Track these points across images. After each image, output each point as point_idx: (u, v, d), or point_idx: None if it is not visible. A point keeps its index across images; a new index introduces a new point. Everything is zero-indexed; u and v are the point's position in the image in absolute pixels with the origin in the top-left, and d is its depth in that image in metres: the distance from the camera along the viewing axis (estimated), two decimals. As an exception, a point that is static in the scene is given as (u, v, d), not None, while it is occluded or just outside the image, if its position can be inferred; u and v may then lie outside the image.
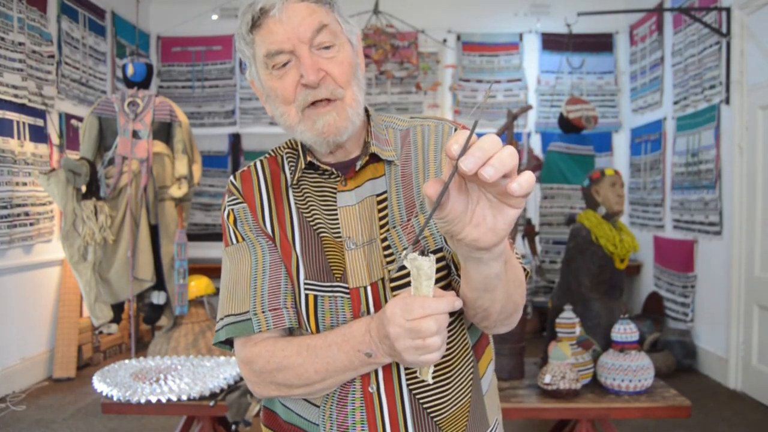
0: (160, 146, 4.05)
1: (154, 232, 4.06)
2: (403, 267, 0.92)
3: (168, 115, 4.07)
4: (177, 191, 4.02)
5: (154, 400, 2.16)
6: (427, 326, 0.78)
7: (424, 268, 0.77)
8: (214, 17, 6.03)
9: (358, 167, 1.00)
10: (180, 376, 2.35)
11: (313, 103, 0.95)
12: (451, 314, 0.89)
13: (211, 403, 2.17)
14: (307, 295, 0.97)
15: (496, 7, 6.02)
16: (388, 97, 6.10)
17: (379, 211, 0.99)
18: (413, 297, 0.80)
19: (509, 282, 0.87)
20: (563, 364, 2.28)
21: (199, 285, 4.54)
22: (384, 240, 0.97)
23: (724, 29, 4.14)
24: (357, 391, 0.96)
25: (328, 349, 0.91)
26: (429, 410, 0.97)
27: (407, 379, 0.96)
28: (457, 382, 0.99)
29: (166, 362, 2.55)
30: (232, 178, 1.07)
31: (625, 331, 2.38)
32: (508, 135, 3.40)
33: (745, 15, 4.00)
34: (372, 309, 0.96)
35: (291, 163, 1.05)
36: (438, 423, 0.97)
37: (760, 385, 3.86)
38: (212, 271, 5.57)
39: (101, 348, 4.88)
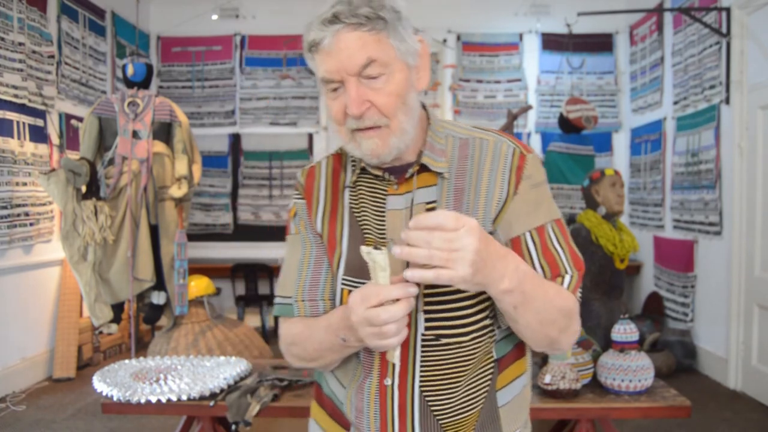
0: (160, 146, 4.05)
1: (154, 232, 4.06)
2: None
3: (168, 115, 4.07)
4: (177, 191, 4.02)
5: (154, 400, 2.16)
6: (378, 315, 0.85)
7: (378, 260, 0.86)
8: (214, 17, 6.03)
9: (408, 175, 1.03)
10: (180, 376, 2.35)
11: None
12: (475, 326, 0.99)
13: (211, 403, 2.17)
14: (342, 289, 1.04)
15: (496, 7, 6.02)
16: (388, 97, 6.09)
17: None
18: (371, 285, 0.88)
19: (531, 320, 0.94)
20: (563, 364, 2.28)
21: (199, 285, 4.54)
22: None
23: (724, 29, 4.14)
24: (374, 382, 1.01)
25: (319, 331, 1.01)
26: (435, 412, 0.99)
27: (420, 378, 0.99)
28: (466, 390, 1.01)
29: (166, 362, 2.55)
30: (299, 172, 1.15)
31: (625, 331, 2.38)
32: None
33: (745, 15, 3.99)
34: None
35: (352, 164, 1.10)
36: (443, 425, 1.00)
37: (760, 385, 3.86)
38: (212, 271, 5.57)
39: (101, 348, 4.88)
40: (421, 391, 0.99)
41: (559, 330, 0.98)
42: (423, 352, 0.99)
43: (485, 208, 1.00)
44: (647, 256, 5.46)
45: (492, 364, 1.03)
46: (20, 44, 4.18)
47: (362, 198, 1.06)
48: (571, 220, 3.46)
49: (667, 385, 2.37)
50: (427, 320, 0.98)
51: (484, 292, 0.96)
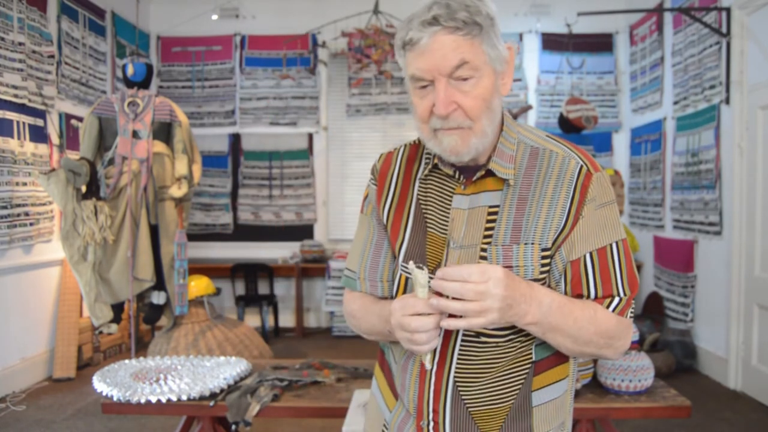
0: (160, 146, 4.05)
1: (154, 232, 4.06)
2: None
3: (168, 115, 4.07)
4: (177, 191, 4.02)
5: (154, 400, 2.16)
6: (409, 323, 0.96)
7: (417, 277, 0.96)
8: (214, 17, 6.03)
9: (475, 178, 1.07)
10: (180, 376, 2.35)
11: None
12: (514, 329, 1.03)
13: (211, 403, 2.17)
14: (400, 275, 1.12)
15: (496, 7, 6.01)
16: (388, 97, 6.10)
17: (487, 222, 1.05)
18: (411, 297, 0.98)
19: (561, 342, 1.01)
20: (563, 364, 2.28)
21: (199, 285, 4.54)
22: (483, 251, 1.03)
23: (724, 29, 4.14)
24: (416, 364, 1.10)
25: (372, 316, 1.14)
26: (465, 400, 1.06)
27: (456, 368, 1.06)
28: (496, 384, 1.06)
29: (166, 362, 2.55)
30: (377, 157, 1.22)
31: (625, 331, 2.38)
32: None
33: (745, 15, 4.00)
34: None
35: (426, 158, 1.15)
36: (471, 413, 1.06)
37: (760, 385, 3.86)
38: (212, 270, 5.57)
39: (101, 348, 4.88)
40: (455, 380, 1.05)
41: (597, 348, 1.03)
42: (462, 345, 1.05)
43: (545, 223, 1.03)
44: (647, 256, 5.46)
45: (529, 365, 1.06)
46: (20, 44, 4.18)
47: (430, 192, 1.12)
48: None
49: (667, 385, 2.37)
50: None
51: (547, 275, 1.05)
